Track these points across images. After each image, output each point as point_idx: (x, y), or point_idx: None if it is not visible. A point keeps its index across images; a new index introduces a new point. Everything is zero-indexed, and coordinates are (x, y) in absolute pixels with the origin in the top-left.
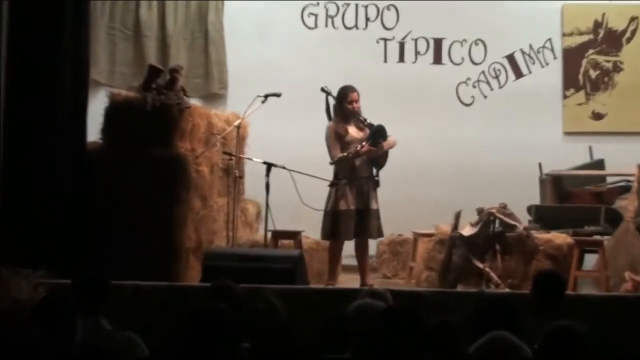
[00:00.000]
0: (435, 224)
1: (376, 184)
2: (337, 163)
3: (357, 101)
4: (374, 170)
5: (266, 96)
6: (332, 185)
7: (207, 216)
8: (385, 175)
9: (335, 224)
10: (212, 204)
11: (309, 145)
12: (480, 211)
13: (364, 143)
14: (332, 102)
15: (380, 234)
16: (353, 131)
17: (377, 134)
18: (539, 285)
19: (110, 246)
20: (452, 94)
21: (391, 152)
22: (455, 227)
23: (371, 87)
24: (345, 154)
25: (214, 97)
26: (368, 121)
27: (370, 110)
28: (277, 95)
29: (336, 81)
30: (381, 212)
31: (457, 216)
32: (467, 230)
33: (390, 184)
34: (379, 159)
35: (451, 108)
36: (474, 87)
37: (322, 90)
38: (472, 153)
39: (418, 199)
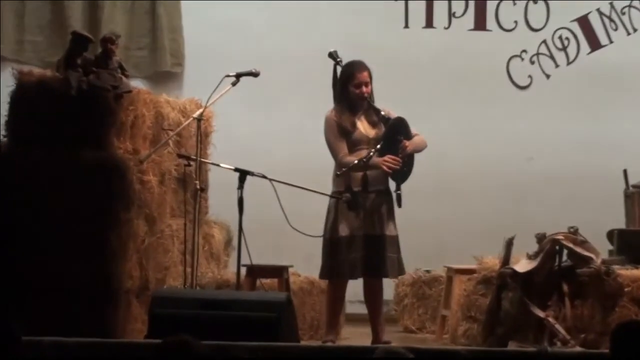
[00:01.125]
0: (478, 256)
1: (397, 201)
2: (346, 172)
3: (367, 84)
4: (393, 182)
5: (238, 76)
6: (346, 201)
7: (156, 245)
8: (405, 187)
9: (334, 257)
10: (162, 227)
11: (299, 145)
12: (541, 238)
13: (374, 149)
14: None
15: (400, 270)
16: (362, 126)
17: (396, 130)
18: (620, 342)
19: (19, 287)
20: (500, 73)
21: (415, 156)
22: (506, 260)
23: (386, 64)
24: (357, 161)
25: (166, 77)
26: (383, 113)
27: (384, 97)
28: (254, 74)
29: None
30: (401, 241)
31: (509, 244)
32: (522, 265)
33: (413, 199)
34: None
35: (499, 92)
36: (532, 63)
37: (331, 56)
38: (528, 155)
39: (452, 221)
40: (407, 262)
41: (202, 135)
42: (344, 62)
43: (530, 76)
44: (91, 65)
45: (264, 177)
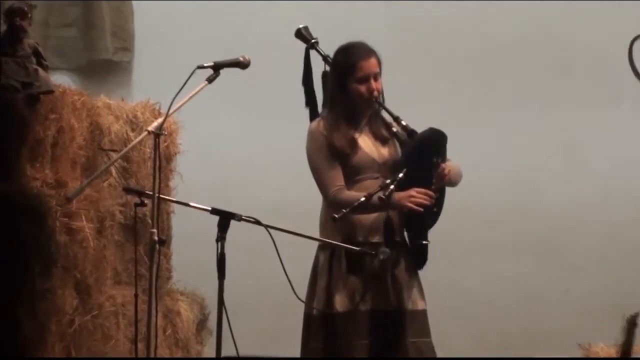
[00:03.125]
0: (584, 344)
1: (417, 257)
2: (348, 213)
3: (377, 76)
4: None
5: (217, 67)
6: (371, 255)
7: (93, 328)
8: (459, 241)
9: (328, 343)
10: (101, 301)
11: (304, 171)
12: None
13: (396, 177)
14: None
15: None
16: (368, 143)
17: (431, 149)
18: None
19: None
20: (619, 60)
21: (473, 189)
22: (628, 348)
23: (430, 44)
24: (368, 195)
25: (106, 69)
26: (404, 123)
27: (413, 99)
28: (243, 64)
29: (340, 39)
30: (464, 320)
31: (631, 326)
32: None
33: (480, 259)
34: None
35: (617, 90)
36: None
37: (299, 35)
38: None
39: (544, 291)
40: (474, 352)
41: (163, 158)
42: (323, 49)
43: None
44: None
45: (258, 222)
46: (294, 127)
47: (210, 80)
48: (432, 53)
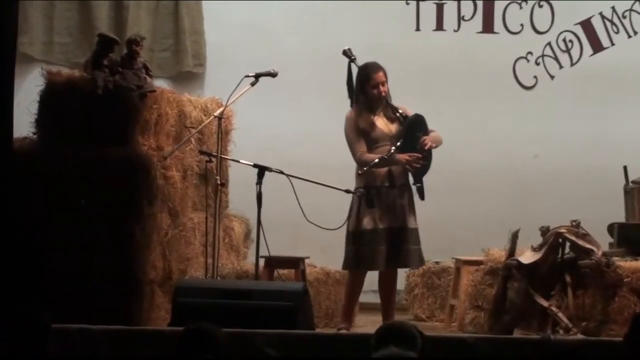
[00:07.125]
0: (485, 248)
1: (419, 193)
2: (368, 169)
3: (384, 83)
4: (411, 177)
5: (257, 76)
6: (360, 195)
7: (179, 237)
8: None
9: (358, 249)
10: (185, 221)
11: (315, 143)
12: (545, 231)
13: (394, 146)
14: (355, 71)
15: (421, 261)
16: (381, 123)
17: (415, 127)
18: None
19: (48, 277)
20: (507, 74)
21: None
22: (512, 252)
23: (398, 64)
24: (380, 157)
25: (188, 77)
26: (401, 111)
27: (397, 97)
28: (273, 75)
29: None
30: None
31: (514, 237)
32: (527, 257)
33: (425, 195)
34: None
35: (506, 92)
36: (537, 64)
37: (345, 54)
38: (533, 153)
39: (461, 215)
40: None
41: (223, 132)
42: (358, 63)
43: (535, 77)
44: (117, 65)
45: (282, 172)
46: (306, 113)
47: (252, 84)
48: (398, 75)
